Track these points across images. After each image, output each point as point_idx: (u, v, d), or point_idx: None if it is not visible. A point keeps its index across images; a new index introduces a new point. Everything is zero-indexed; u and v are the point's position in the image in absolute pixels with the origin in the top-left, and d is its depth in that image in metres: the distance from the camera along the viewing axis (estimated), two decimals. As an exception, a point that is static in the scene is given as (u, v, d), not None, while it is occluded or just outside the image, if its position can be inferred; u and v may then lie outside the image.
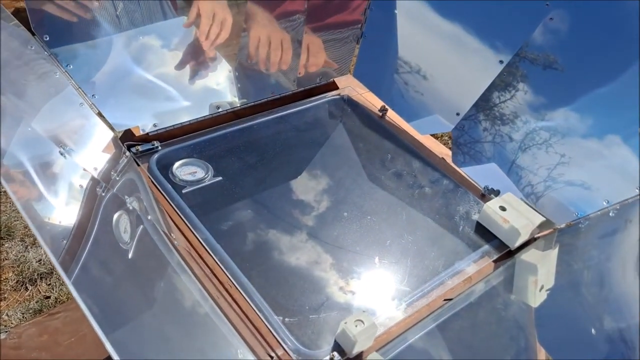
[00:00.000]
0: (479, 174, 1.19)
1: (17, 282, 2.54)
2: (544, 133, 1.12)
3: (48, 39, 0.92)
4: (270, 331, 0.82)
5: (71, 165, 0.82)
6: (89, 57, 1.02)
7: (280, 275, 0.91)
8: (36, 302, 2.47)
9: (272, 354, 0.80)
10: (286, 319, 0.83)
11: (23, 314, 2.38)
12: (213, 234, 0.94)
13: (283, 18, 1.28)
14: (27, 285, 2.52)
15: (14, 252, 2.67)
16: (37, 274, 2.56)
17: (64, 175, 0.80)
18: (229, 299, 0.86)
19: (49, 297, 2.44)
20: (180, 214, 0.96)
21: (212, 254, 0.91)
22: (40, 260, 2.64)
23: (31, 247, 2.71)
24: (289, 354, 0.79)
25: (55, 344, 1.19)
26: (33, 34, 0.91)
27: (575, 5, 1.09)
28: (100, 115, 0.99)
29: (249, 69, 1.28)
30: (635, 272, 1.00)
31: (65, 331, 1.22)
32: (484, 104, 1.19)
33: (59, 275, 2.56)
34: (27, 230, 2.81)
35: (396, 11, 1.32)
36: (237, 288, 0.87)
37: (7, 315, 2.41)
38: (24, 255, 2.65)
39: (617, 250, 1.03)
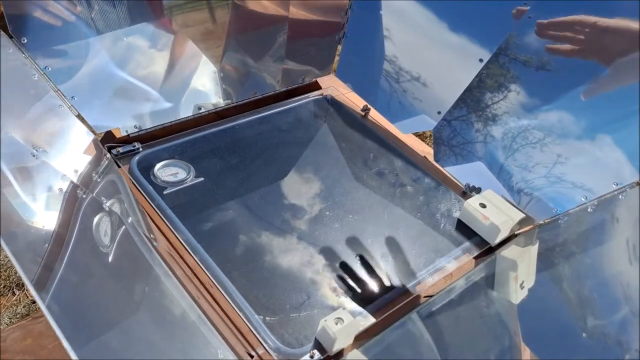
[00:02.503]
0: (462, 172, 1.20)
1: (4, 287, 2.52)
2: (531, 132, 1.13)
3: (26, 41, 0.92)
4: (251, 330, 0.82)
5: (50, 169, 0.82)
6: (68, 59, 1.01)
7: (261, 274, 0.91)
8: (23, 307, 2.45)
9: (253, 353, 0.80)
10: (267, 318, 0.84)
11: (10, 318, 2.37)
12: (194, 234, 0.94)
13: (268, 17, 1.28)
14: (14, 289, 2.51)
15: (1, 257, 2.65)
16: (24, 279, 2.54)
17: (42, 179, 0.80)
18: (210, 299, 0.86)
19: (36, 302, 2.42)
20: (161, 215, 0.96)
21: (192, 254, 0.91)
22: (28, 264, 2.62)
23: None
24: (269, 353, 0.80)
25: (39, 347, 1.19)
26: (11, 37, 0.90)
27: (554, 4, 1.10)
28: (80, 117, 0.99)
29: (233, 70, 1.28)
30: (617, 267, 1.01)
31: (49, 334, 1.22)
32: (474, 104, 1.20)
33: (47, 279, 2.54)
34: (14, 234, 2.78)
35: (381, 12, 1.33)
36: (217, 288, 0.87)
37: (-7, 320, 2.40)
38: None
39: (596, 246, 1.05)
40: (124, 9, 1.06)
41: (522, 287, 1.00)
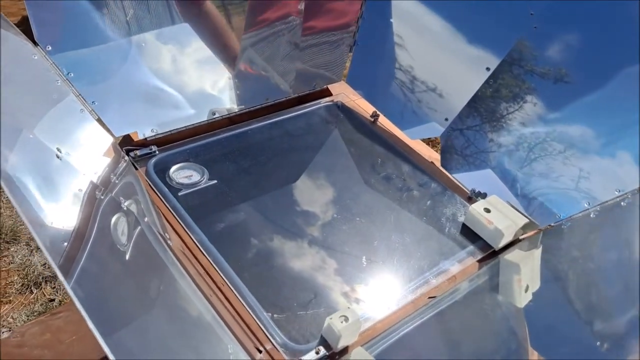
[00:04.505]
0: (468, 178, 1.22)
1: (22, 285, 2.58)
2: (549, 143, 1.15)
3: (50, 49, 0.97)
4: (260, 327, 0.86)
5: (70, 170, 0.86)
6: (89, 65, 1.06)
7: (271, 274, 0.94)
8: (41, 305, 2.52)
9: (261, 349, 0.83)
10: (275, 316, 0.87)
11: (28, 316, 2.43)
12: (207, 235, 0.98)
13: (279, 20, 1.32)
14: (32, 288, 2.57)
15: (19, 256, 2.72)
16: (42, 278, 2.60)
17: (63, 180, 0.84)
18: (222, 297, 0.90)
19: (53, 300, 2.48)
20: (176, 216, 1.00)
21: (206, 254, 0.95)
22: (45, 264, 2.68)
23: (36, 251, 2.76)
24: (277, 349, 0.83)
25: (57, 342, 1.23)
26: (36, 44, 0.95)
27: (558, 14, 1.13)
28: (99, 121, 1.03)
29: (247, 76, 1.32)
30: (620, 271, 1.03)
31: (67, 330, 1.26)
32: (489, 114, 1.23)
33: (63, 278, 2.60)
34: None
35: (392, 20, 1.36)
36: (229, 287, 0.90)
37: (12, 317, 2.46)
38: (29, 259, 2.70)
39: (599, 250, 1.07)
40: (157, 14, 1.11)
41: (526, 290, 1.03)
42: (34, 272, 2.62)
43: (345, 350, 0.86)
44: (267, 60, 1.34)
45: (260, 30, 1.32)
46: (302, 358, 0.82)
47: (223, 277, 0.91)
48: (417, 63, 1.32)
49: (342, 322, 0.83)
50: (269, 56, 1.34)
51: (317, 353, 0.83)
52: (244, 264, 0.95)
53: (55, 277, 2.62)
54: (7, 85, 0.77)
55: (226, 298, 0.90)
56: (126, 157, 1.07)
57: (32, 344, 1.22)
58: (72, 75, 1.00)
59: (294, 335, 0.85)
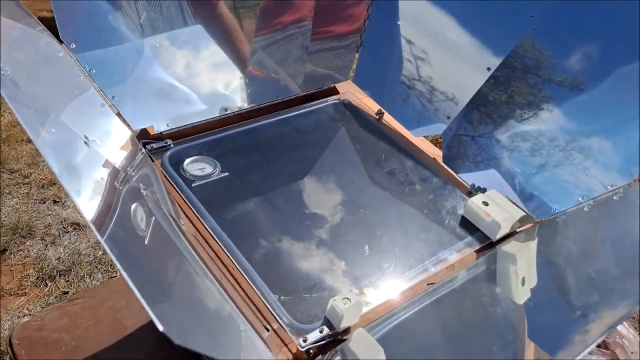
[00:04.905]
0: (469, 174, 1.27)
1: (37, 279, 2.66)
2: (537, 138, 1.20)
3: (74, 46, 1.03)
4: (268, 308, 0.91)
5: (97, 157, 0.92)
6: (109, 64, 1.12)
7: (279, 259, 1.00)
8: (55, 297, 2.59)
9: (269, 327, 0.89)
10: (282, 297, 0.93)
11: (42, 308, 2.50)
12: (219, 222, 1.04)
13: (293, 25, 1.38)
14: (47, 281, 2.65)
15: (34, 250, 2.80)
16: (57, 271, 2.68)
17: (90, 166, 0.90)
18: (232, 280, 0.96)
19: (67, 293, 2.55)
20: (189, 205, 1.06)
21: (217, 240, 1.01)
22: (60, 258, 2.76)
23: (51, 246, 2.84)
24: (283, 328, 0.89)
25: (74, 327, 1.29)
26: (61, 42, 1.02)
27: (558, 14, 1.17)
28: (119, 115, 1.10)
29: (258, 75, 1.38)
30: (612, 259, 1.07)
31: (83, 315, 1.32)
32: (501, 120, 1.26)
33: (77, 272, 2.68)
34: (47, 229, 2.94)
35: (399, 22, 1.42)
36: (239, 270, 0.96)
37: (27, 309, 2.54)
38: (44, 253, 2.77)
39: (592, 241, 1.11)
40: (169, 16, 1.17)
41: (523, 284, 1.07)
42: (48, 265, 2.69)
43: (347, 330, 0.91)
44: (278, 62, 1.40)
45: (274, 33, 1.37)
46: (307, 336, 0.87)
47: (233, 261, 0.97)
48: (422, 65, 1.38)
49: (344, 304, 0.88)
50: (281, 58, 1.40)
51: (321, 332, 0.88)
52: (253, 249, 1.00)
53: (69, 271, 2.69)
54: (35, 77, 0.84)
55: (236, 281, 0.95)
56: (143, 150, 1.13)
57: (51, 328, 1.28)
58: (93, 71, 1.06)
59: (299, 316, 0.91)
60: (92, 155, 0.86)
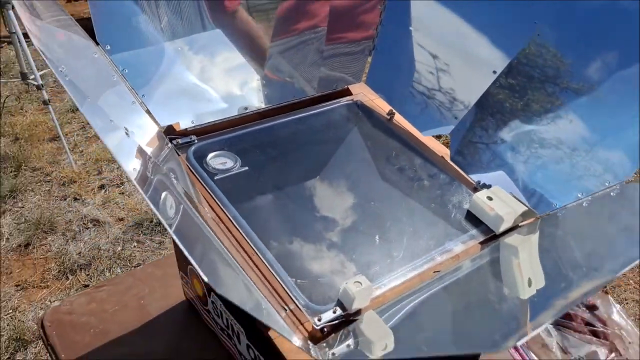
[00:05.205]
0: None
1: (59, 272, 2.76)
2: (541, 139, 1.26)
3: (109, 48, 1.12)
4: (285, 290, 0.99)
5: (138, 147, 1.01)
6: (139, 64, 1.21)
7: (295, 246, 1.08)
8: (76, 290, 2.69)
9: (286, 307, 0.97)
10: (298, 281, 1.00)
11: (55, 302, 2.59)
12: (240, 212, 1.11)
13: (308, 30, 1.46)
14: (68, 275, 2.75)
15: (56, 245, 2.90)
16: (77, 265, 2.78)
17: (130, 155, 0.99)
18: (252, 265, 1.03)
19: (87, 286, 2.65)
20: (212, 196, 1.15)
21: (238, 227, 1.08)
22: (80, 252, 2.86)
23: (71, 241, 2.94)
24: (299, 308, 0.96)
25: (102, 311, 1.38)
26: (97, 44, 1.10)
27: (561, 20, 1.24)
28: (148, 112, 1.18)
29: (275, 77, 1.46)
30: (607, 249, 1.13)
31: (110, 301, 1.41)
32: (517, 127, 1.31)
33: (96, 267, 2.78)
34: (67, 225, 3.04)
35: (411, 28, 1.49)
36: (258, 256, 1.04)
37: (49, 301, 2.63)
38: (65, 248, 2.88)
39: (590, 233, 1.18)
40: (189, 21, 1.26)
41: (530, 285, 1.12)
42: (69, 259, 2.80)
43: (358, 312, 0.98)
44: (294, 66, 1.48)
45: (290, 38, 1.46)
46: (321, 316, 0.95)
47: (253, 247, 1.05)
48: (434, 70, 1.45)
49: (356, 287, 0.96)
50: (296, 63, 1.48)
51: (334, 312, 0.96)
52: (271, 237, 1.08)
53: (89, 265, 2.79)
54: (78, 75, 0.93)
55: (255, 265, 1.03)
56: (169, 145, 1.22)
57: (79, 312, 1.37)
58: (126, 71, 1.15)
59: (314, 297, 0.98)
60: (133, 144, 0.95)
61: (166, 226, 0.70)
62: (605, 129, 1.21)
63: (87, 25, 1.11)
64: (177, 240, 0.68)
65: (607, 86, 1.19)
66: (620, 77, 1.18)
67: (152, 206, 0.73)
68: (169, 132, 1.25)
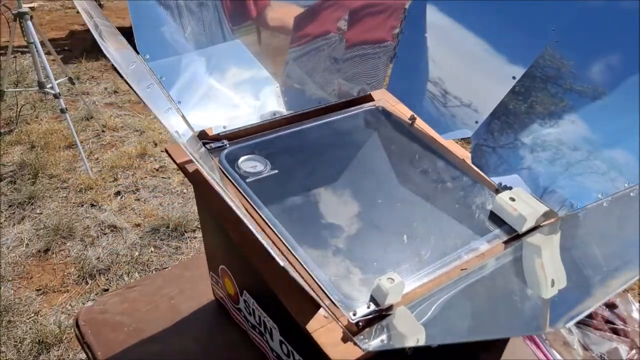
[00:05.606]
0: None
1: (78, 277, 2.80)
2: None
3: (148, 57, 1.17)
4: (320, 287, 1.03)
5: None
6: (174, 72, 1.26)
7: (328, 244, 1.12)
8: (96, 294, 2.73)
9: (322, 304, 1.01)
10: (333, 278, 1.05)
11: (84, 303, 2.64)
12: (272, 212, 1.16)
13: (319, 37, 1.51)
14: (87, 279, 2.79)
15: (75, 250, 2.95)
16: (96, 270, 2.82)
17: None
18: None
19: (107, 290, 2.69)
20: (246, 197, 1.19)
21: (272, 228, 1.13)
22: (99, 257, 2.91)
23: (90, 246, 2.99)
24: (335, 304, 1.00)
25: (134, 310, 1.42)
26: (138, 53, 1.16)
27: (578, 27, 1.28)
28: (183, 117, 1.23)
29: (301, 85, 1.51)
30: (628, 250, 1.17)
31: (142, 300, 1.45)
32: (522, 129, 1.35)
33: (115, 271, 2.82)
34: (85, 231, 3.09)
35: (426, 34, 1.54)
36: (293, 255, 1.08)
37: (70, 305, 2.68)
38: (84, 253, 2.92)
39: (610, 233, 1.22)
40: (210, 32, 1.31)
41: (553, 285, 1.16)
42: (88, 265, 2.84)
43: (390, 308, 1.02)
44: (318, 73, 1.52)
45: (304, 45, 1.50)
46: (356, 310, 0.99)
47: (288, 246, 1.09)
48: (450, 78, 1.49)
49: (389, 283, 1.00)
50: (320, 70, 1.52)
51: (368, 307, 1.00)
52: (304, 236, 1.12)
53: (108, 269, 2.83)
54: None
55: (290, 263, 1.07)
56: (203, 149, 1.27)
57: (113, 311, 1.41)
58: (164, 79, 1.20)
59: (349, 294, 1.03)
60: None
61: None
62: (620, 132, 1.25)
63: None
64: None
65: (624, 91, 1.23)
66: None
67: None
68: (202, 137, 1.30)
